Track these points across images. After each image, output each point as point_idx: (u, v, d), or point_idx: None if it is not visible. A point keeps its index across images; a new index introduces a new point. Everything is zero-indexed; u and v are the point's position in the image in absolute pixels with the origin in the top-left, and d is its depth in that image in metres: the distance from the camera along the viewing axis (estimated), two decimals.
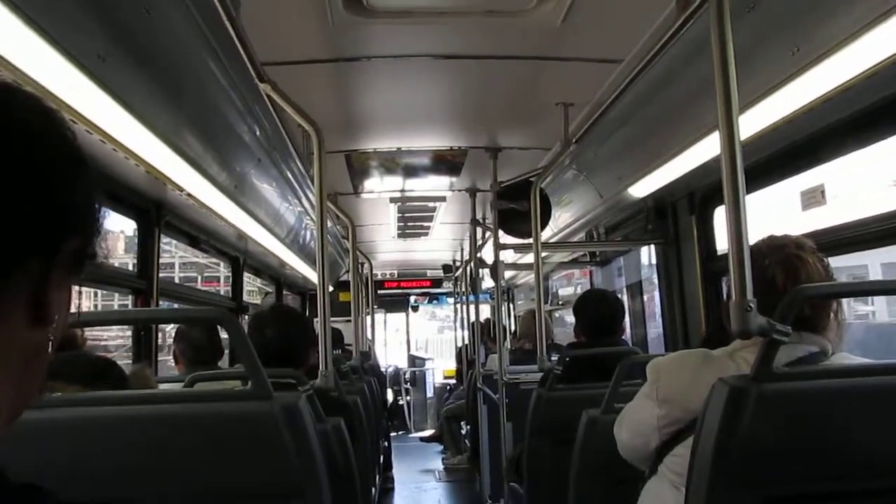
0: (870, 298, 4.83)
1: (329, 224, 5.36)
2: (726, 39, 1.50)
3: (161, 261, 3.60)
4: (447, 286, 11.15)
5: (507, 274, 8.09)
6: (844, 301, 1.78)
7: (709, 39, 1.52)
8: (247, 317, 5.16)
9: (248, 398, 1.57)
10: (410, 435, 11.00)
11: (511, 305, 10.46)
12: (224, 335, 3.24)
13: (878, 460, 1.39)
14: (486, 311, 8.85)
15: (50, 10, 1.63)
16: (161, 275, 3.60)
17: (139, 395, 1.72)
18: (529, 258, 4.37)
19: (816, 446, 1.38)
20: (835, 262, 1.75)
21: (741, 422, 1.36)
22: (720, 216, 3.72)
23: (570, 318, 3.56)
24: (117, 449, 1.50)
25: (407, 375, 11.87)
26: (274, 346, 2.54)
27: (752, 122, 2.40)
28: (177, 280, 9.20)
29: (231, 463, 1.52)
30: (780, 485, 1.39)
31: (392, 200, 5.78)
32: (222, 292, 8.12)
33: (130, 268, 3.59)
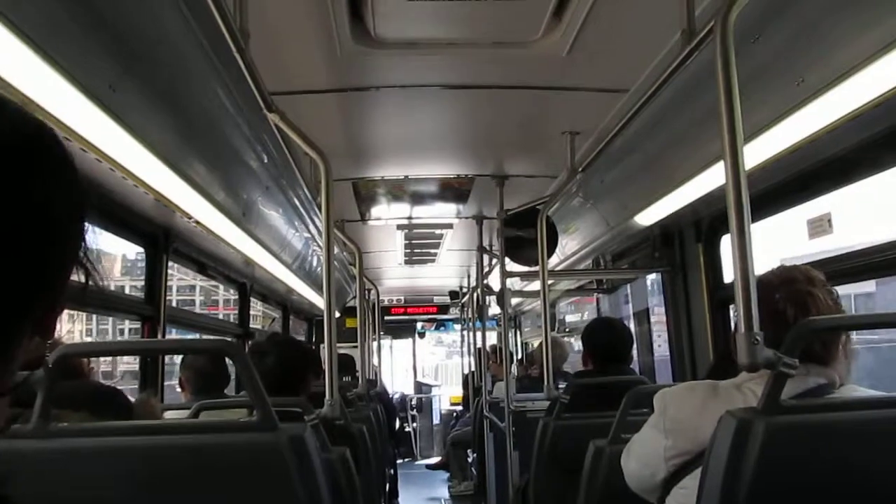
0: None
1: (336, 250, 5.37)
2: (731, 69, 1.51)
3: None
4: (454, 312, 11.12)
5: (514, 301, 8.08)
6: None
7: (714, 69, 1.52)
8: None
9: (254, 429, 1.56)
10: (417, 462, 10.94)
11: (518, 332, 10.43)
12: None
13: (886, 493, 1.37)
14: (492, 338, 8.82)
15: (62, 41, 1.65)
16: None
17: (145, 425, 1.72)
18: (536, 285, 4.37)
19: (824, 479, 1.37)
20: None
21: (749, 455, 1.34)
22: (727, 244, 3.71)
23: (580, 345, 3.55)
24: (122, 479, 1.49)
25: (413, 402, 11.82)
26: (274, 374, 2.55)
27: (758, 151, 2.40)
28: (174, 303, 9.16)
29: (236, 494, 1.51)
30: None
31: (399, 227, 5.80)
32: (221, 316, 8.08)
33: (127, 290, 3.59)
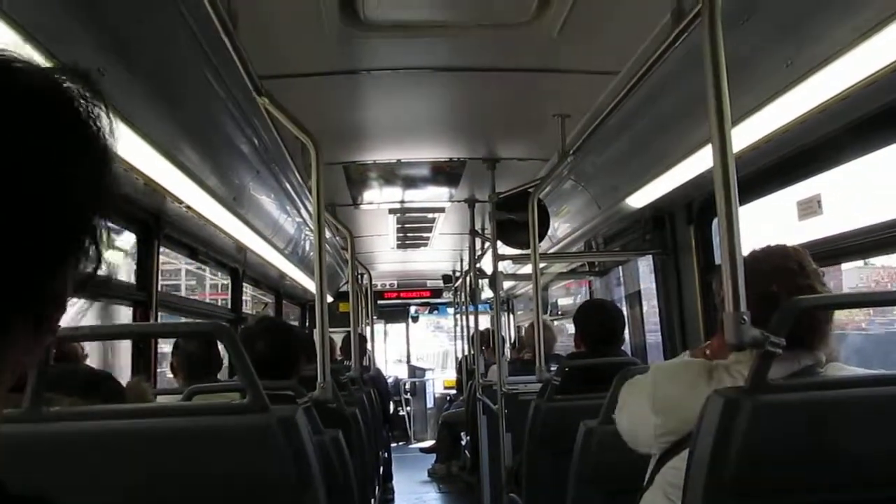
0: None
1: (328, 235, 5.36)
2: (719, 51, 1.51)
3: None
4: (447, 296, 11.14)
5: (507, 284, 8.09)
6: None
7: (703, 51, 1.52)
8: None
9: (245, 411, 1.57)
10: (410, 445, 10.99)
11: (510, 316, 10.45)
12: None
13: (872, 470, 1.39)
14: (486, 322, 8.84)
15: (49, 24, 1.64)
16: None
17: (136, 408, 1.73)
18: (528, 269, 4.37)
19: (811, 457, 1.38)
20: None
21: (736, 433, 1.36)
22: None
23: (572, 328, 3.56)
24: (114, 463, 1.50)
25: (407, 386, 11.85)
26: (265, 359, 2.55)
27: (747, 133, 2.41)
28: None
29: (228, 476, 1.52)
30: (775, 496, 1.39)
31: (391, 211, 5.79)
32: (207, 300, 8.06)
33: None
